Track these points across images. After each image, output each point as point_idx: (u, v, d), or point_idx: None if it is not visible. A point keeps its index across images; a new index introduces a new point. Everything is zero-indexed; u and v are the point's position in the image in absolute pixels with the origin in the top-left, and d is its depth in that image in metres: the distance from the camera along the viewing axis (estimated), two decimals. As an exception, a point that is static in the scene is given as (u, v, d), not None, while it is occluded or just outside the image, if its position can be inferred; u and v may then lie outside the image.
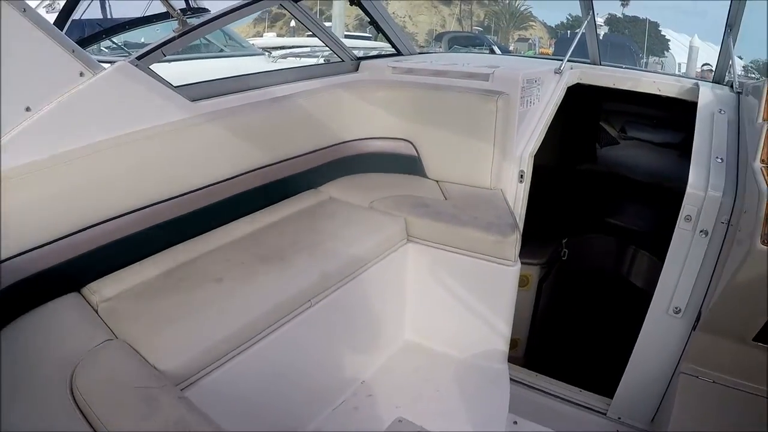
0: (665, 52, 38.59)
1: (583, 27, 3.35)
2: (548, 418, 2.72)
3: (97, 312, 1.82)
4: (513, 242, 2.40)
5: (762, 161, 2.20)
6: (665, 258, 2.51)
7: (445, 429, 2.24)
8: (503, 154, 2.80)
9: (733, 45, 3.14)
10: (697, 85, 3.05)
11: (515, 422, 2.54)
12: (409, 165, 2.99)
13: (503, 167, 2.82)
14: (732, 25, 3.09)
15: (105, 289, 1.91)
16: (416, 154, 2.96)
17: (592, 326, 3.92)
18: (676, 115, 3.55)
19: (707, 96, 2.87)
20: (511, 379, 2.56)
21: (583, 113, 4.34)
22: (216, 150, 2.34)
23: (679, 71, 23.89)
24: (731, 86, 3.03)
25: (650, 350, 2.66)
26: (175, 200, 2.20)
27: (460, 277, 2.55)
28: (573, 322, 4.04)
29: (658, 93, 3.21)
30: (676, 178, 2.72)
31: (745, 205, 2.21)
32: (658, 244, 2.68)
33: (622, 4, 44.94)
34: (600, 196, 4.53)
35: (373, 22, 3.27)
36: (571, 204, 4.49)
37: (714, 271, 2.42)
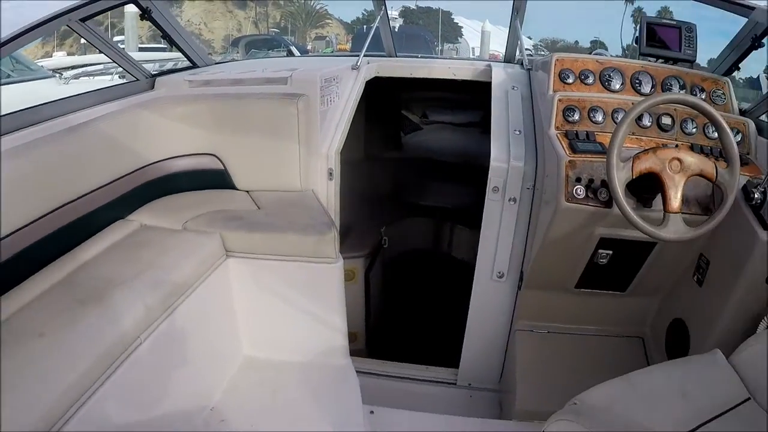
0: (459, 39, 40.40)
1: (377, 21, 3.44)
2: (403, 400, 2.78)
3: None
4: (331, 240, 2.43)
5: (557, 128, 2.40)
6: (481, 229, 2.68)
7: None
8: (310, 155, 2.80)
9: (521, 26, 3.36)
10: (489, 66, 3.23)
11: (372, 412, 2.57)
12: (217, 179, 2.91)
13: (311, 168, 2.82)
14: (518, 9, 3.31)
15: None
16: (223, 168, 2.90)
17: (426, 304, 4.08)
18: (473, 96, 3.76)
19: (500, 75, 3.06)
20: (358, 371, 2.60)
21: (385, 104, 4.47)
22: (12, 193, 2.09)
23: (474, 55, 25.08)
24: (521, 64, 3.23)
25: (483, 316, 2.84)
26: None
27: (286, 283, 2.54)
28: (407, 305, 4.17)
29: (453, 77, 3.37)
30: (480, 155, 2.89)
31: (546, 170, 2.40)
32: (473, 218, 2.83)
33: (415, -4, 46.44)
34: (411, 181, 4.69)
35: (166, 36, 3.13)
36: (384, 193, 4.63)
37: (527, 233, 2.63)
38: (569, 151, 2.26)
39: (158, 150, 2.80)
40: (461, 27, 42.12)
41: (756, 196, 2.12)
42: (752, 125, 2.55)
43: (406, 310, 4.11)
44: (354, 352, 2.74)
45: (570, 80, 2.60)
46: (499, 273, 2.72)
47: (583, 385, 1.73)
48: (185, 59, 3.47)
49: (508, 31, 3.48)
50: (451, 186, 4.52)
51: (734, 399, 1.75)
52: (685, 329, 2.53)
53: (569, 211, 2.21)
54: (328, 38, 36.45)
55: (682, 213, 2.03)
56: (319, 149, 2.81)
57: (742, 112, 2.73)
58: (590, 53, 4.78)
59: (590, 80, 2.60)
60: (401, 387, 2.94)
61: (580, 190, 2.19)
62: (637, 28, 2.81)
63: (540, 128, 2.59)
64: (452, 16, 44.95)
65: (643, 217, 2.00)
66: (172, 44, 3.24)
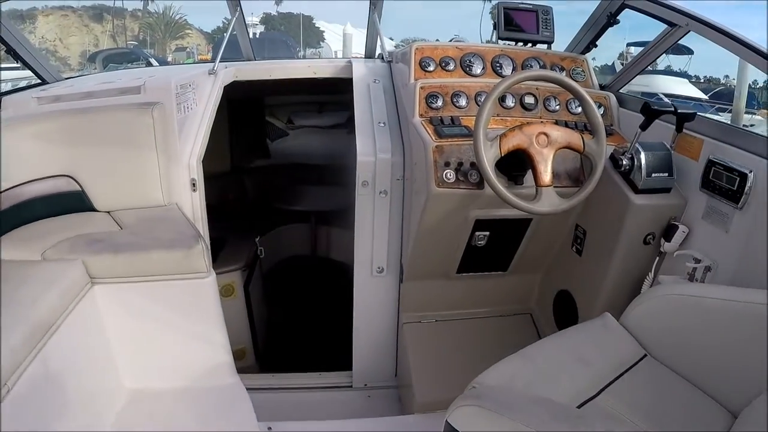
0: (321, 43, 40.54)
1: (232, 25, 3.32)
2: (300, 411, 2.73)
3: None
4: (200, 253, 2.30)
5: (421, 116, 2.40)
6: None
7: None
8: (170, 167, 2.66)
9: (379, 20, 3.35)
10: (350, 62, 3.19)
11: (269, 428, 2.49)
12: (75, 202, 2.66)
13: (173, 180, 2.67)
14: (375, 3, 3.29)
15: None
16: (80, 189, 2.66)
17: (312, 310, 4.03)
18: (338, 96, 3.72)
19: (361, 70, 3.02)
20: (250, 388, 2.48)
21: (249, 113, 4.41)
22: None
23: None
24: (382, 58, 3.22)
25: (369, 314, 2.82)
26: None
27: (159, 304, 2.38)
28: (293, 313, 4.09)
29: (314, 76, 3.28)
30: (349, 154, 2.84)
31: (414, 159, 2.39)
32: (348, 218, 2.80)
33: (276, 2, 46.31)
34: (282, 188, 4.63)
35: (10, 51, 2.93)
36: (256, 202, 4.54)
37: (402, 225, 2.62)
38: (435, 137, 2.26)
39: (8, 176, 2.55)
40: (323, 31, 42.26)
41: (624, 162, 2.23)
42: (613, 98, 2.69)
43: (292, 319, 4.02)
44: (244, 369, 2.65)
45: (431, 68, 2.60)
46: (379, 268, 2.70)
47: (479, 367, 1.72)
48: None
49: (366, 26, 3.46)
50: (323, 189, 4.52)
51: (632, 358, 1.85)
52: (572, 299, 2.62)
53: (441, 196, 2.21)
54: (188, 49, 35.61)
55: (555, 186, 2.07)
56: (180, 159, 2.66)
57: (602, 87, 2.87)
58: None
59: (451, 66, 2.62)
60: (297, 398, 2.86)
61: (450, 174, 2.19)
62: (495, 23, 2.86)
63: (404, 118, 2.58)
64: (313, 21, 45.06)
65: (516, 194, 2.03)
66: (17, 59, 3.02)
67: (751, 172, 1.96)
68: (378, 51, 3.45)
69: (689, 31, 2.41)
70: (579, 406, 1.60)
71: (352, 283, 2.77)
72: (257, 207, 4.50)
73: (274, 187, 4.65)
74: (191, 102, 2.83)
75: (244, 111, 4.29)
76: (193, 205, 2.69)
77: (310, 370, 2.99)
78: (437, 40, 3.30)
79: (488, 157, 1.98)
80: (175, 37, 42.79)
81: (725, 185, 2.05)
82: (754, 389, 1.60)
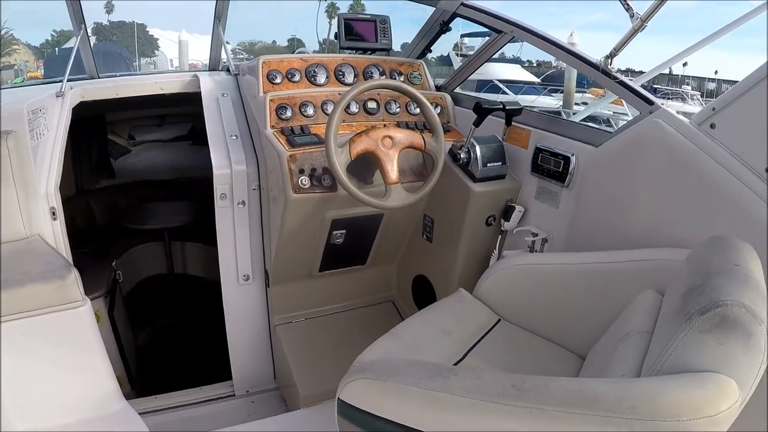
0: (156, 52, 39.30)
1: (77, 42, 3.21)
2: (188, 428, 2.75)
3: None
4: (74, 282, 2.25)
5: (272, 127, 2.51)
6: (217, 239, 2.72)
7: None
8: (28, 197, 2.53)
9: (224, 32, 3.40)
10: (197, 76, 3.20)
11: None
12: None
13: (32, 211, 2.55)
14: (220, 15, 3.33)
15: None
16: None
17: (182, 328, 4.02)
18: (179, 109, 3.70)
19: (208, 84, 3.05)
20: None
21: (90, 131, 4.29)
22: None
23: (172, 67, 24.44)
24: (228, 70, 3.27)
25: (240, 322, 2.89)
26: None
27: (39, 340, 2.28)
28: (163, 334, 4.05)
29: (162, 92, 3.26)
30: (194, 167, 2.84)
31: (269, 168, 2.52)
32: (202, 230, 2.82)
33: (107, 11, 44.33)
34: (130, 207, 4.45)
35: None
36: (106, 225, 4.41)
37: (263, 232, 2.74)
38: (288, 146, 2.39)
39: None
40: (157, 39, 41.01)
41: (462, 156, 2.50)
42: (449, 98, 2.95)
43: (162, 340, 3.97)
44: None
45: (278, 80, 2.69)
46: (245, 276, 2.78)
47: (353, 356, 1.87)
48: None
49: (211, 39, 3.47)
50: (173, 204, 4.37)
51: (488, 324, 2.14)
52: (428, 282, 2.87)
53: (299, 202, 2.36)
54: (17, 66, 33.36)
55: (402, 183, 2.29)
56: (38, 189, 2.55)
57: (438, 88, 3.11)
58: (293, 52, 4.96)
59: (297, 78, 2.73)
60: (181, 415, 2.85)
61: (305, 180, 2.34)
62: (332, 22, 3.00)
63: (255, 130, 2.68)
64: (147, 29, 43.54)
65: (368, 193, 2.22)
66: None
67: (573, 155, 2.30)
68: (222, 62, 3.50)
69: (513, 37, 2.70)
70: None
71: (214, 295, 2.84)
72: (108, 229, 4.35)
73: (122, 207, 4.50)
74: (43, 128, 2.71)
75: (86, 130, 4.16)
76: (55, 234, 2.60)
77: (189, 387, 2.98)
78: (274, 41, 3.38)
79: (340, 162, 2.15)
80: (2, 54, 39.57)
81: (552, 168, 2.37)
82: (595, 333, 1.89)
